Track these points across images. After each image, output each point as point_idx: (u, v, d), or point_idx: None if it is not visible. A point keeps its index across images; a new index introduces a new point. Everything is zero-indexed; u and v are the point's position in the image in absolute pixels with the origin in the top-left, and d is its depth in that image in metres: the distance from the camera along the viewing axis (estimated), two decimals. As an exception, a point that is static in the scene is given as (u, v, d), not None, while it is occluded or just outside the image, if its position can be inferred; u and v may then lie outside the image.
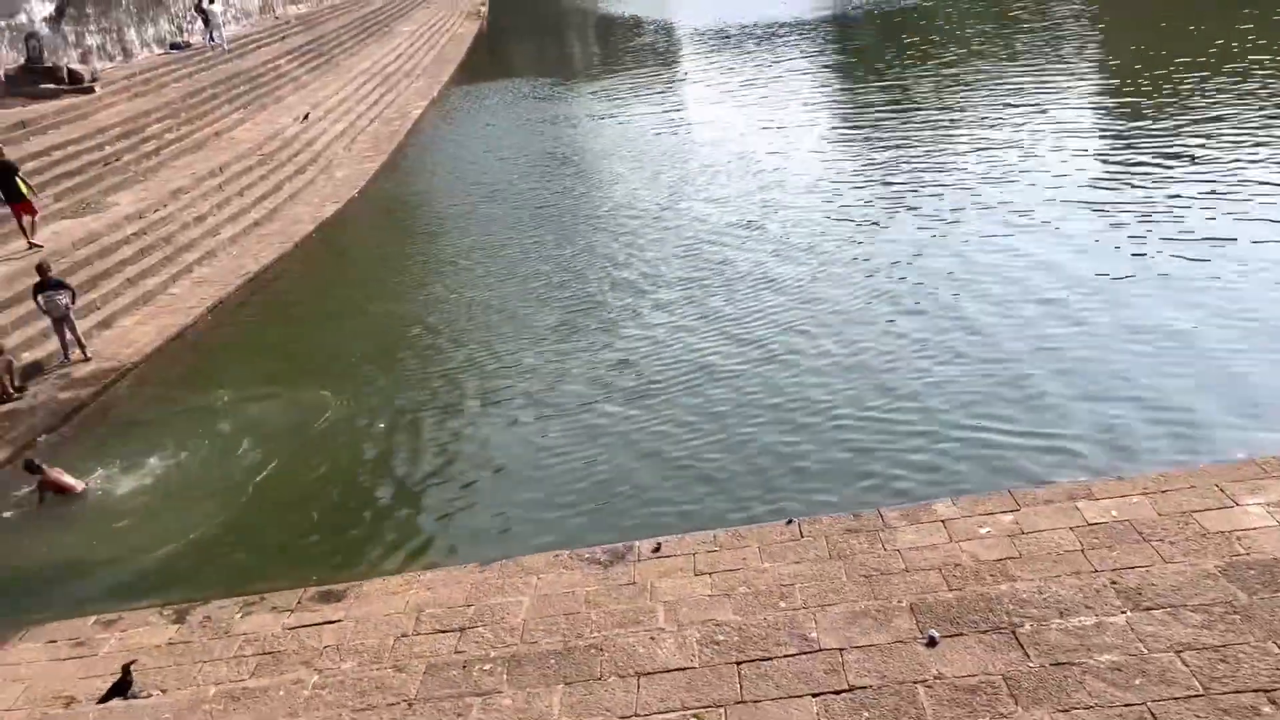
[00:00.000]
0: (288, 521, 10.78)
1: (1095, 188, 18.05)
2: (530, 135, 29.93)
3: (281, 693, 7.26)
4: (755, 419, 11.45)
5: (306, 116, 30.08)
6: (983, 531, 8.08)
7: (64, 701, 7.71)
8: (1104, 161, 19.63)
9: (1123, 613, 6.70)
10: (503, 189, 24.14)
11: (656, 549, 8.72)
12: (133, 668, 7.79)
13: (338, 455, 12.06)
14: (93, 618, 9.03)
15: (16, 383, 14.96)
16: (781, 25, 44.72)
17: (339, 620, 8.36)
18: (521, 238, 20.14)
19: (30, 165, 20.97)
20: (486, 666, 7.25)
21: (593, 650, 7.27)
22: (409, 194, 25.46)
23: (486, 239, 20.51)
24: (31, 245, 18.68)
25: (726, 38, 44.50)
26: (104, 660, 8.24)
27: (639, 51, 45.79)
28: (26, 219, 18.83)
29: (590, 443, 11.55)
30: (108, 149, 23.79)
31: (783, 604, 7.56)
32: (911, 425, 10.88)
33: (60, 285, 15.91)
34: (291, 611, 8.62)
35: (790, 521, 8.86)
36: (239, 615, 8.69)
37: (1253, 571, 6.92)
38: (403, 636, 7.97)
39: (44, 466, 11.89)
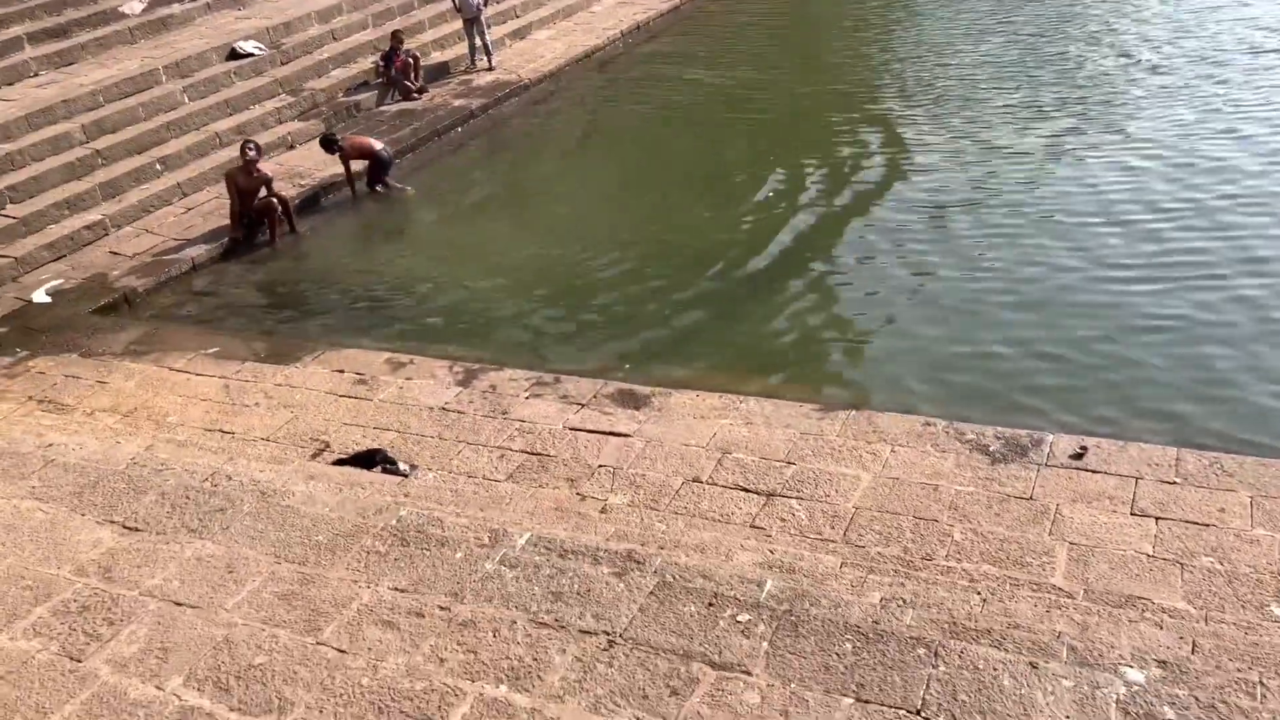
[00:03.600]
0: (621, 297, 9.04)
1: None
2: None
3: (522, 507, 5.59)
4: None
5: None
6: None
7: (315, 448, 6.67)
8: None
9: None
10: None
11: (1079, 455, 5.84)
12: (393, 440, 6.55)
13: (719, 236, 10.00)
14: (386, 355, 7.96)
15: (419, 83, 14.36)
16: None
17: (626, 435, 6.51)
18: None
19: None
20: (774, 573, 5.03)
21: (939, 589, 4.80)
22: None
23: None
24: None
25: None
26: (376, 410, 7.11)
27: None
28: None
29: (1041, 294, 8.54)
30: None
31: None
32: None
33: (476, -17, 14.92)
34: (581, 407, 6.91)
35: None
36: (524, 395, 7.15)
37: None
38: (692, 482, 5.96)
39: (341, 143, 11.42)
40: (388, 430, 6.84)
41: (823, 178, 11.08)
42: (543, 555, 4.19)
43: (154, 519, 4.53)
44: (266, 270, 10.25)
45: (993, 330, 7.92)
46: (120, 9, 13.86)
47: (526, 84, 14.86)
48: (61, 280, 9.89)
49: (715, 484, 5.96)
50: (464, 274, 9.76)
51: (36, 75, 12.49)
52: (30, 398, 7.75)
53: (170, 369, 8.02)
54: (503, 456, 6.43)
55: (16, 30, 12.78)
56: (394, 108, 13.94)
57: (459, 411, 7.00)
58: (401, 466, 6.38)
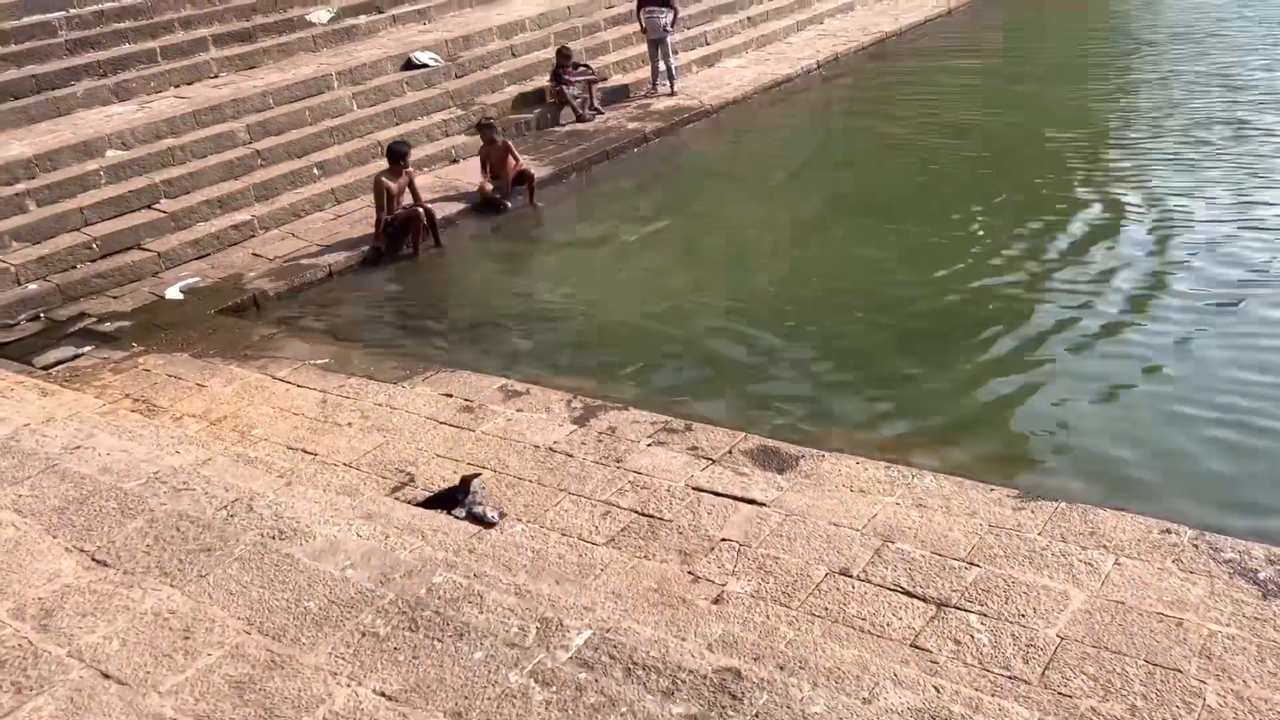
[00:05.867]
0: (779, 340, 7.73)
1: None
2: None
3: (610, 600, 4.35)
4: None
5: None
6: None
7: (397, 480, 5.68)
8: None
9: None
10: None
11: (1399, 599, 4.11)
12: (481, 477, 5.49)
13: (904, 281, 8.56)
14: (501, 381, 6.94)
15: (595, 103, 13.58)
16: None
17: (762, 504, 5.19)
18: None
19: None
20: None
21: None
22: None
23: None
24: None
25: None
26: (476, 442, 6.07)
27: None
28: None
29: None
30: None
31: None
32: None
33: (664, 2, 14.09)
34: (712, 463, 5.65)
35: None
36: (646, 441, 5.95)
37: None
38: (839, 575, 4.58)
39: (496, 132, 11.10)
40: (484, 467, 5.77)
41: (1038, 228, 9.40)
42: (599, 669, 2.95)
43: (128, 552, 3.59)
44: (401, 283, 9.52)
45: (1266, 414, 6.13)
46: (308, 17, 13.77)
47: (708, 110, 13.84)
48: (198, 278, 9.47)
49: (869, 581, 4.55)
50: (608, 303, 8.70)
51: (216, 76, 12.43)
52: (126, 395, 7.17)
53: (273, 377, 7.29)
54: (607, 514, 5.23)
55: (203, 32, 12.81)
56: (565, 128, 13.20)
57: (567, 454, 5.86)
58: (488, 513, 5.29)
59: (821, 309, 8.15)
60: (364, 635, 3.07)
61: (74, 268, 9.44)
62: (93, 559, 3.55)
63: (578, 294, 8.98)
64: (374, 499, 5.25)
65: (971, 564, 4.60)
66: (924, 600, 4.39)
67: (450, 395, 6.76)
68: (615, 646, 3.09)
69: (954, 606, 4.34)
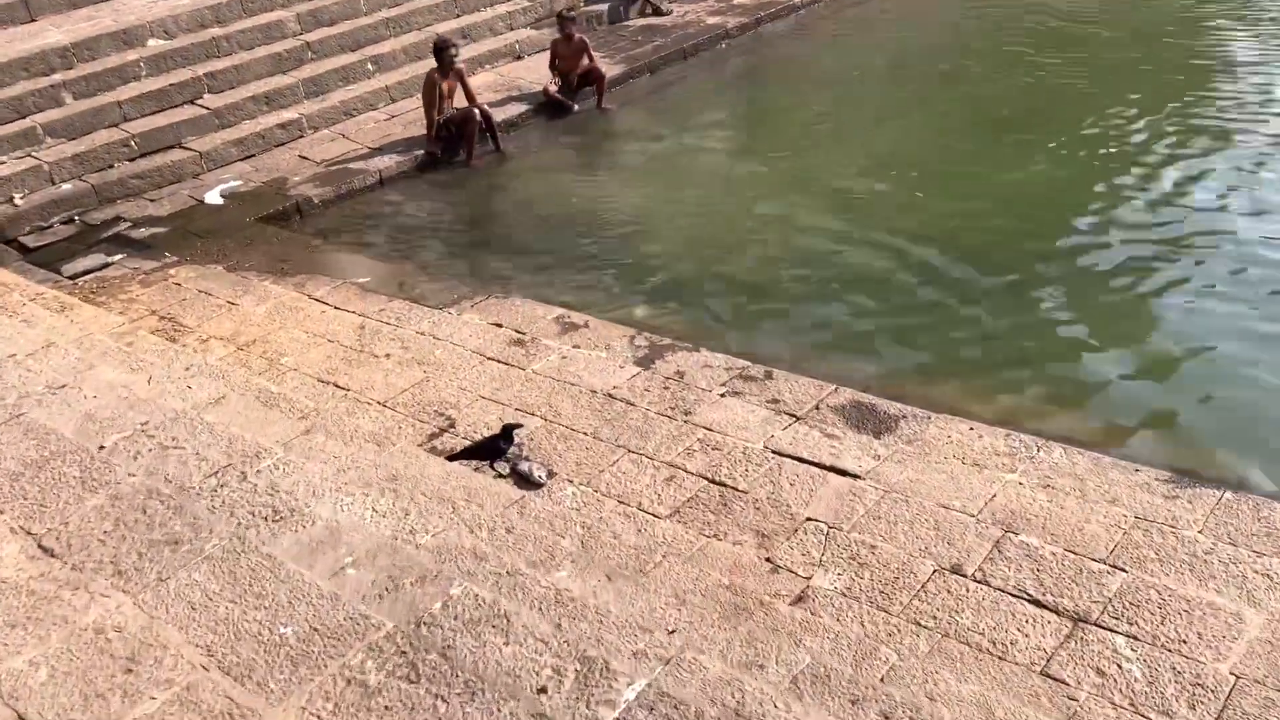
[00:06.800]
0: (878, 273, 6.80)
1: None
2: None
3: (666, 592, 3.60)
4: None
5: None
6: None
7: (435, 426, 4.99)
8: None
9: None
10: None
11: None
12: (521, 429, 4.77)
13: (1030, 206, 7.53)
14: (557, 311, 6.17)
15: (671, -5, 12.44)
16: None
17: (856, 476, 4.38)
18: None
19: None
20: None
21: None
22: None
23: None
24: None
25: None
26: (526, 383, 5.34)
27: None
28: None
29: None
30: None
31: None
32: None
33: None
34: (795, 420, 4.84)
35: None
36: (719, 390, 5.15)
37: None
38: (950, 573, 3.78)
39: (576, 25, 10.25)
40: (532, 414, 5.05)
41: (1201, 142, 8.20)
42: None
43: (81, 539, 2.95)
44: (455, 192, 8.73)
45: None
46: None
47: (795, 4, 12.61)
48: (240, 181, 8.80)
49: (987, 583, 3.74)
50: (680, 221, 7.81)
51: (270, -39, 11.54)
52: (152, 311, 6.57)
53: (309, 296, 6.62)
54: (672, 479, 4.48)
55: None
56: (639, 22, 12.12)
57: (628, 402, 5.10)
58: (535, 472, 4.58)
59: (929, 235, 7.10)
60: (349, 683, 2.38)
61: (111, 167, 8.82)
62: (39, 545, 2.92)
63: (647, 210, 8.10)
64: (405, 450, 4.56)
65: (1115, 568, 3.76)
66: (1056, 613, 3.58)
67: (500, 325, 6.01)
68: (675, 706, 2.36)
69: (1094, 624, 3.52)
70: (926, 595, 3.71)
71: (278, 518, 3.12)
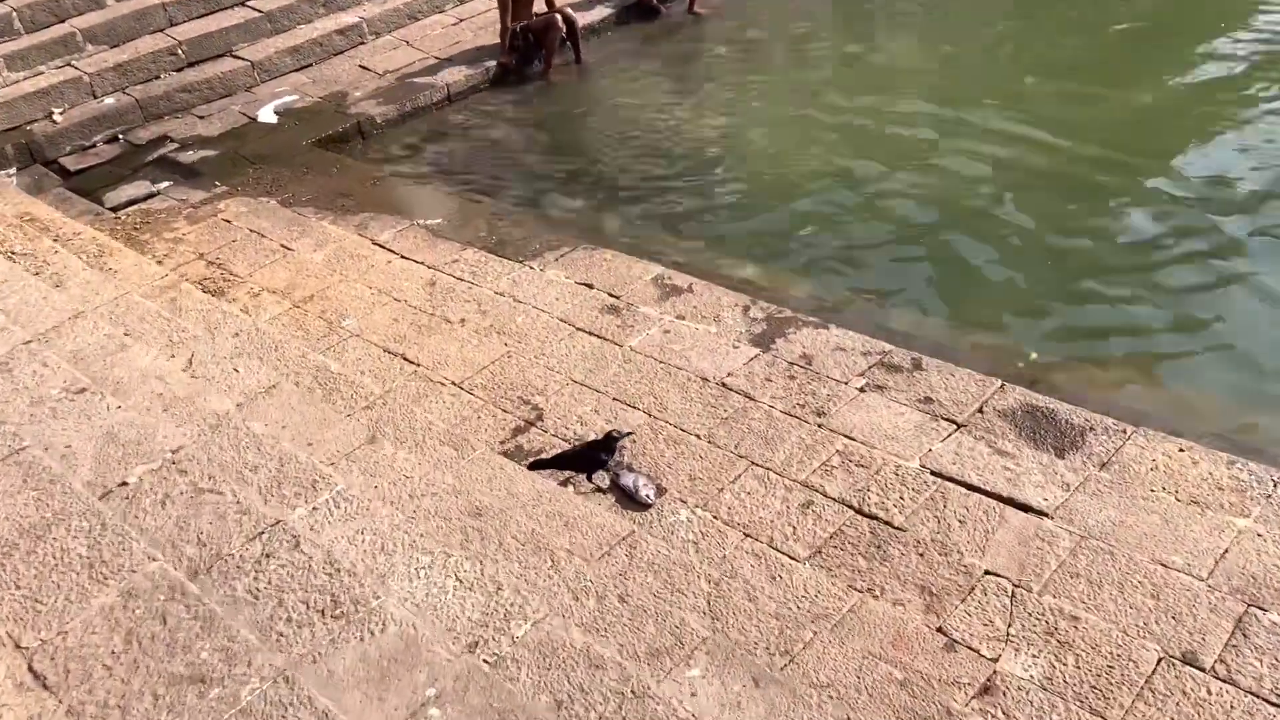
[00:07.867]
0: (1041, 228, 5.80)
1: None
2: None
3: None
4: None
5: None
6: None
7: (519, 418, 4.23)
8: None
9: None
10: None
11: None
12: (639, 429, 3.99)
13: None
14: (656, 270, 5.30)
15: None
16: None
17: (1040, 513, 3.54)
18: None
19: None
20: None
21: None
22: None
23: None
24: None
25: None
26: (624, 365, 4.54)
27: None
28: None
29: None
30: None
31: None
32: None
33: None
34: (957, 429, 3.99)
35: None
36: (857, 382, 4.29)
37: None
38: (1181, 663, 2.96)
39: None
40: (633, 407, 4.26)
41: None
42: None
43: (82, 663, 2.25)
44: (533, 111, 7.82)
45: None
46: None
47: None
48: (296, 96, 7.97)
49: (1234, 683, 2.92)
50: (794, 155, 6.82)
51: None
52: (200, 255, 5.85)
53: (373, 241, 5.84)
54: (809, 505, 3.68)
55: None
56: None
57: (747, 396, 4.27)
58: (641, 487, 3.81)
59: (1107, 183, 6.06)
60: None
61: (156, 78, 8.05)
62: (30, 667, 2.23)
63: (751, 138, 7.11)
64: (486, 460, 3.81)
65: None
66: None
67: (590, 286, 5.18)
68: None
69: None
70: (1154, 696, 2.91)
71: (337, 612, 2.40)
